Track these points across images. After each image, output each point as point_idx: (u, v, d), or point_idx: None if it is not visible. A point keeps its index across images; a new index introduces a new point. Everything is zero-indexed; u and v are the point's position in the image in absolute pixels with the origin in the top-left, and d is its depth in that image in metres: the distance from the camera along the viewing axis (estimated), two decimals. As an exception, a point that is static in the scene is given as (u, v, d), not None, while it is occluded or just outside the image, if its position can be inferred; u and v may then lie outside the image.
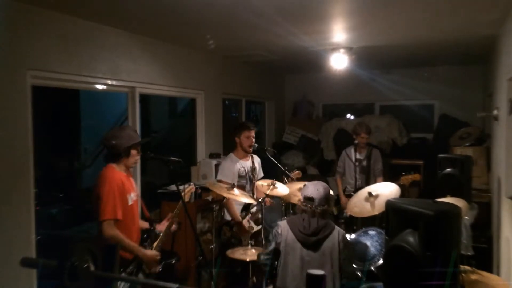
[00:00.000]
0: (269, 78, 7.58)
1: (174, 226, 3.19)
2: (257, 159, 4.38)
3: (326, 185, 2.98)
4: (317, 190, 2.88)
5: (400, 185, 3.56)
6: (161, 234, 3.11)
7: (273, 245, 2.92)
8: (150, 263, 2.92)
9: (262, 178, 4.33)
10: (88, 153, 7.48)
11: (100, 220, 2.73)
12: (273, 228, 2.99)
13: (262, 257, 3.00)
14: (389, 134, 6.75)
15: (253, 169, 4.27)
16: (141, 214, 3.25)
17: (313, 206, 2.83)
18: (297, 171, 4.42)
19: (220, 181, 4.00)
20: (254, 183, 4.21)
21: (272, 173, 4.33)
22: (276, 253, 2.89)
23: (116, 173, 2.88)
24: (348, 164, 5.13)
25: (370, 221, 4.23)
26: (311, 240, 2.80)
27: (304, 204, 2.87)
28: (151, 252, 2.94)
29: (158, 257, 2.97)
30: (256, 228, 4.04)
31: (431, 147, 6.53)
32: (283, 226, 2.91)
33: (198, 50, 5.24)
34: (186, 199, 3.34)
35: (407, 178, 4.46)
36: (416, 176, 4.49)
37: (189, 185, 3.67)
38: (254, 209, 4.11)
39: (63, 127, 6.78)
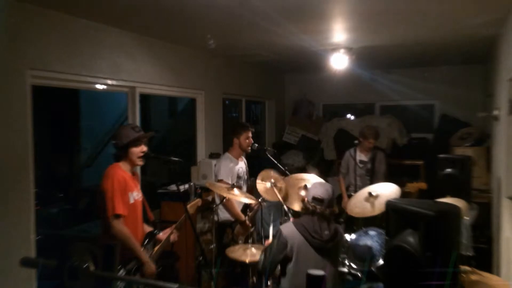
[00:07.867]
0: (269, 78, 7.58)
1: (174, 236, 3.15)
2: (245, 160, 4.33)
3: (331, 185, 2.91)
4: (326, 190, 2.77)
5: (406, 193, 3.50)
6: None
7: (278, 255, 2.69)
8: (147, 272, 2.88)
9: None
10: (88, 153, 7.48)
11: (108, 216, 2.75)
12: (276, 234, 2.76)
13: (262, 263, 2.78)
14: (389, 134, 6.73)
15: (247, 169, 4.27)
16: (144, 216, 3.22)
17: (322, 207, 2.71)
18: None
19: (220, 181, 3.95)
20: (248, 183, 4.21)
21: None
22: (283, 260, 2.71)
23: (119, 170, 2.89)
24: (351, 166, 5.11)
25: (371, 221, 4.23)
26: (328, 246, 2.70)
27: (313, 205, 2.73)
28: (152, 268, 2.89)
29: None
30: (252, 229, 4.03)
31: (432, 147, 6.52)
32: (287, 231, 2.72)
33: (198, 50, 5.24)
34: (191, 211, 3.24)
35: (414, 186, 4.37)
36: (422, 185, 4.38)
37: (196, 198, 3.49)
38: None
39: (63, 127, 6.79)
